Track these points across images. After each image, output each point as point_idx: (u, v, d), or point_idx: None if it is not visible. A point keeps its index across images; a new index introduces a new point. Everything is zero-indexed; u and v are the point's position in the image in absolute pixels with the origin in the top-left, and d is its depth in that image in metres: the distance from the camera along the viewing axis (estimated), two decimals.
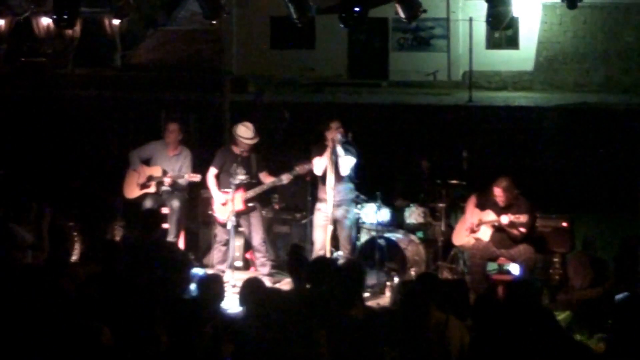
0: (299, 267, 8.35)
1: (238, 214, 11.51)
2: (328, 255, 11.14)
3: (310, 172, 11.43)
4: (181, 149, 12.35)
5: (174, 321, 6.75)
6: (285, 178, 11.48)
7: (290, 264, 8.68)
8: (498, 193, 10.88)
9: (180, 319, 6.75)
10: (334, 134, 11.08)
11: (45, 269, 7.88)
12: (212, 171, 11.74)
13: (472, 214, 11.27)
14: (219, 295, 7.65)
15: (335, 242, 11.51)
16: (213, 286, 7.67)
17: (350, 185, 11.44)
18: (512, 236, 10.85)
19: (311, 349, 6.75)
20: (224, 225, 11.65)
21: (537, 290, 7.99)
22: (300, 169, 11.41)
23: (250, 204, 11.64)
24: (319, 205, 11.45)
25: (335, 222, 11.31)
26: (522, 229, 10.80)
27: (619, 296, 9.12)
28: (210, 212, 11.90)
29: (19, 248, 10.30)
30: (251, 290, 7.40)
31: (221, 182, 11.66)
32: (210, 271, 11.02)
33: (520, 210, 10.75)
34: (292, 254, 8.81)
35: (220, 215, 11.64)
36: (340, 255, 11.47)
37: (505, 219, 10.74)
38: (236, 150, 11.60)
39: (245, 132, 11.57)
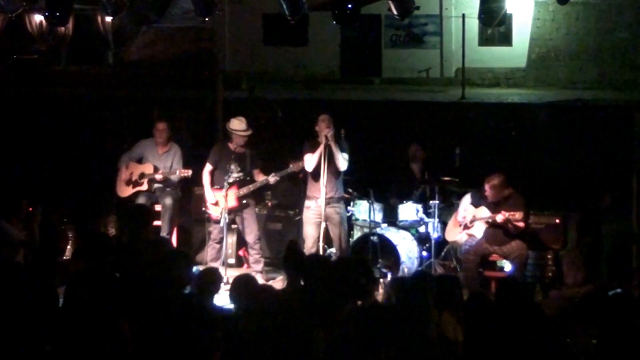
0: (295, 264, 8.35)
1: (231, 211, 11.51)
2: (321, 252, 11.16)
3: (303, 169, 11.44)
4: (170, 145, 12.35)
5: (172, 316, 6.75)
6: (272, 179, 11.50)
7: (286, 260, 8.67)
8: (487, 189, 10.93)
9: (177, 313, 6.76)
10: (324, 129, 11.09)
11: (34, 267, 7.84)
12: (208, 168, 11.74)
13: (465, 210, 11.29)
14: (216, 288, 7.68)
15: (328, 240, 11.51)
16: (211, 279, 7.70)
17: (342, 182, 11.43)
18: (511, 231, 10.87)
19: (306, 348, 6.73)
20: (218, 222, 11.64)
21: (528, 289, 8.01)
22: (294, 167, 11.42)
23: (244, 201, 11.63)
24: (307, 203, 11.46)
25: (327, 220, 11.32)
26: (520, 224, 10.82)
27: (610, 293, 9.13)
28: (204, 209, 11.89)
29: (10, 245, 10.26)
30: (242, 287, 7.39)
31: (215, 179, 11.66)
32: (202, 268, 11.00)
33: (515, 206, 10.77)
34: (288, 250, 8.81)
35: (214, 213, 11.63)
36: (333, 252, 11.48)
37: (500, 217, 10.77)
38: (231, 146, 11.60)
39: (239, 125, 11.59)
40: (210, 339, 6.75)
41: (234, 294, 7.38)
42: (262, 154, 12.07)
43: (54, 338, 6.41)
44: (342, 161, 11.18)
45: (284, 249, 12.29)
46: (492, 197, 10.96)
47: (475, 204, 11.24)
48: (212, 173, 11.73)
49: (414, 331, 7.05)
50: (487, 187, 10.97)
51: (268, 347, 6.61)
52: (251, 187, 11.59)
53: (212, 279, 7.77)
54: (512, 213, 10.71)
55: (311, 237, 11.35)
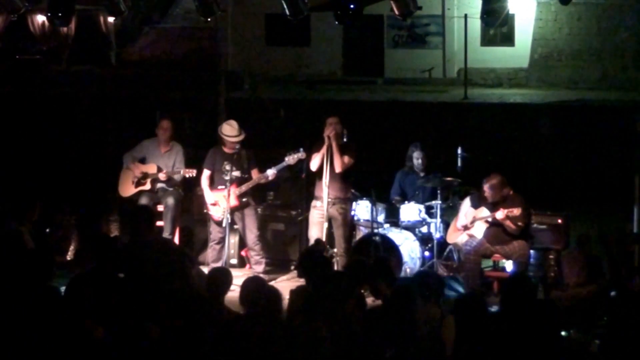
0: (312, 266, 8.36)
1: (232, 210, 11.51)
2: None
3: (301, 162, 11.44)
4: (172, 144, 12.34)
5: (179, 317, 6.76)
6: (271, 174, 11.49)
7: (304, 261, 8.66)
8: (486, 189, 10.92)
9: (186, 314, 6.77)
10: (330, 130, 11.11)
11: (32, 267, 7.83)
12: (205, 173, 11.74)
13: (466, 213, 11.30)
14: (226, 288, 7.67)
15: (331, 240, 11.51)
16: (221, 279, 7.69)
17: (346, 183, 11.41)
18: (510, 230, 10.86)
19: (312, 345, 6.75)
20: (219, 224, 11.63)
21: (533, 286, 8.00)
22: (290, 159, 11.43)
23: (244, 199, 11.64)
24: (314, 202, 11.46)
25: (331, 220, 11.32)
26: (519, 222, 10.81)
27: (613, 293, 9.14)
28: (205, 210, 11.88)
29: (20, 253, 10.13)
30: (252, 289, 7.40)
31: (215, 181, 11.66)
32: (205, 269, 11.02)
33: (514, 204, 10.77)
34: (308, 252, 8.81)
35: (215, 214, 11.63)
36: (335, 252, 11.48)
37: (500, 214, 10.76)
38: (226, 149, 11.61)
39: (230, 130, 11.59)
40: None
41: (243, 296, 7.38)
42: (263, 153, 12.07)
43: (54, 337, 6.42)
44: (339, 163, 11.15)
45: (285, 249, 12.39)
46: (491, 198, 10.96)
47: (475, 205, 11.24)
48: (210, 177, 11.73)
49: (409, 330, 7.07)
50: (485, 187, 10.98)
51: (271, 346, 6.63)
52: (249, 184, 11.58)
53: (222, 279, 7.75)
54: (510, 210, 10.72)
55: (315, 237, 11.35)
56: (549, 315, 6.76)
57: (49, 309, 6.75)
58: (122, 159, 12.39)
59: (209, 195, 11.65)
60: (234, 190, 11.47)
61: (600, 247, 10.85)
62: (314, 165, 11.29)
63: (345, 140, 11.38)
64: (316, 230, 11.34)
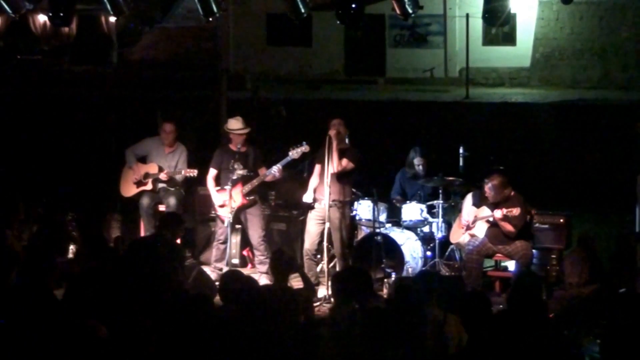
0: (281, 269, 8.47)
1: (240, 209, 11.51)
2: (325, 251, 11.18)
3: (303, 162, 11.45)
4: (177, 145, 12.37)
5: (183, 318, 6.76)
6: (276, 170, 11.48)
7: (272, 264, 8.78)
8: (487, 190, 10.91)
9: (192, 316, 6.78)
10: (332, 131, 11.11)
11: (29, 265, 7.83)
12: (212, 173, 11.74)
13: (468, 212, 11.29)
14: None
15: (331, 239, 11.50)
16: (237, 284, 7.70)
17: (344, 186, 11.36)
18: (505, 231, 10.87)
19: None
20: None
21: (540, 284, 7.97)
22: (294, 153, 11.43)
23: (251, 197, 11.62)
24: (314, 203, 11.45)
25: (329, 221, 11.29)
26: (516, 223, 10.80)
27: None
28: (213, 212, 11.87)
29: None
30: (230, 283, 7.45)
31: (221, 181, 11.65)
32: (206, 268, 11.03)
33: (514, 204, 10.76)
34: (275, 256, 8.91)
35: (224, 213, 11.59)
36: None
37: (498, 213, 10.77)
38: (233, 147, 11.62)
39: (235, 124, 11.62)
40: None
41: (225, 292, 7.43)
42: (265, 154, 12.08)
43: (53, 337, 6.41)
44: (336, 164, 11.11)
45: (287, 248, 12.39)
46: (492, 198, 10.95)
47: (477, 204, 11.24)
48: (216, 177, 11.72)
49: (413, 331, 7.06)
50: (486, 187, 10.97)
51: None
52: (255, 182, 11.58)
53: (237, 284, 7.73)
54: (509, 209, 10.71)
55: (310, 236, 11.36)
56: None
57: (47, 310, 6.76)
58: (125, 155, 12.41)
59: (217, 197, 11.63)
60: (240, 189, 11.46)
61: (601, 246, 10.87)
62: (311, 185, 11.38)
63: (347, 143, 11.37)
64: (312, 229, 11.38)
